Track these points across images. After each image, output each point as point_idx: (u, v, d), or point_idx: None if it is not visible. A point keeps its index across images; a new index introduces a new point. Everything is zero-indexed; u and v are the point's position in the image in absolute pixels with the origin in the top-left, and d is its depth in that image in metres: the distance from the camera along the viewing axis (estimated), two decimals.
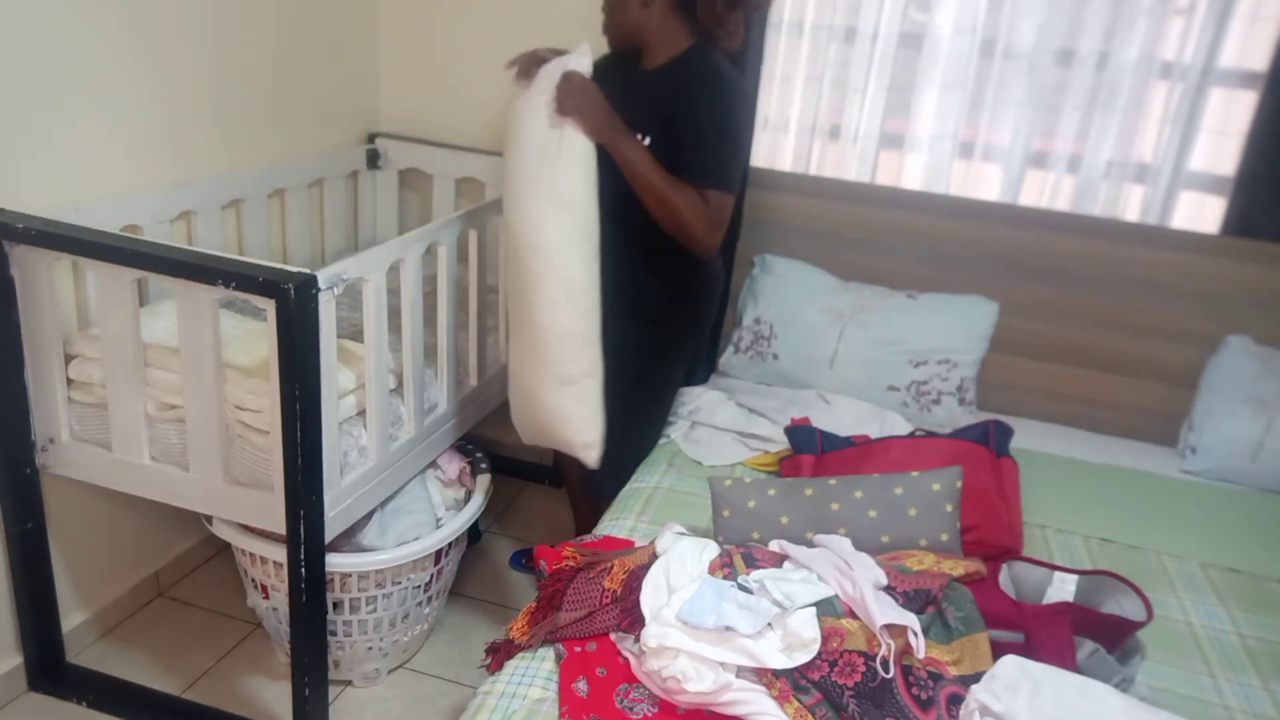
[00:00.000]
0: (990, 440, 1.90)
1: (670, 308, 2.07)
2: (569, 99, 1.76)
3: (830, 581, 1.46)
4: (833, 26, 2.50)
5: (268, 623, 2.10)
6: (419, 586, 2.08)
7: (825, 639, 1.37)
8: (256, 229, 2.37)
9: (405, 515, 2.06)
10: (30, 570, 1.92)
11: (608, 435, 1.96)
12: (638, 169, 1.82)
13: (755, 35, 2.40)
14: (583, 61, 1.80)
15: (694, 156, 1.84)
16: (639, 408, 2.11)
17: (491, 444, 3.03)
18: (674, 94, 1.85)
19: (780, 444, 2.17)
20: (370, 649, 2.08)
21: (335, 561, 1.88)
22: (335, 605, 1.97)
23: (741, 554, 1.55)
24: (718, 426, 2.23)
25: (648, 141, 1.85)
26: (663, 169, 1.83)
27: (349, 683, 2.13)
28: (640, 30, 1.91)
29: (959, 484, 1.67)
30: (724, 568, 1.51)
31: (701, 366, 2.55)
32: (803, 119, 2.59)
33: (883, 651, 1.34)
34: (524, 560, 2.61)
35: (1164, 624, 1.70)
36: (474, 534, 2.68)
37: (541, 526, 2.79)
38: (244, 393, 1.73)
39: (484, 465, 2.29)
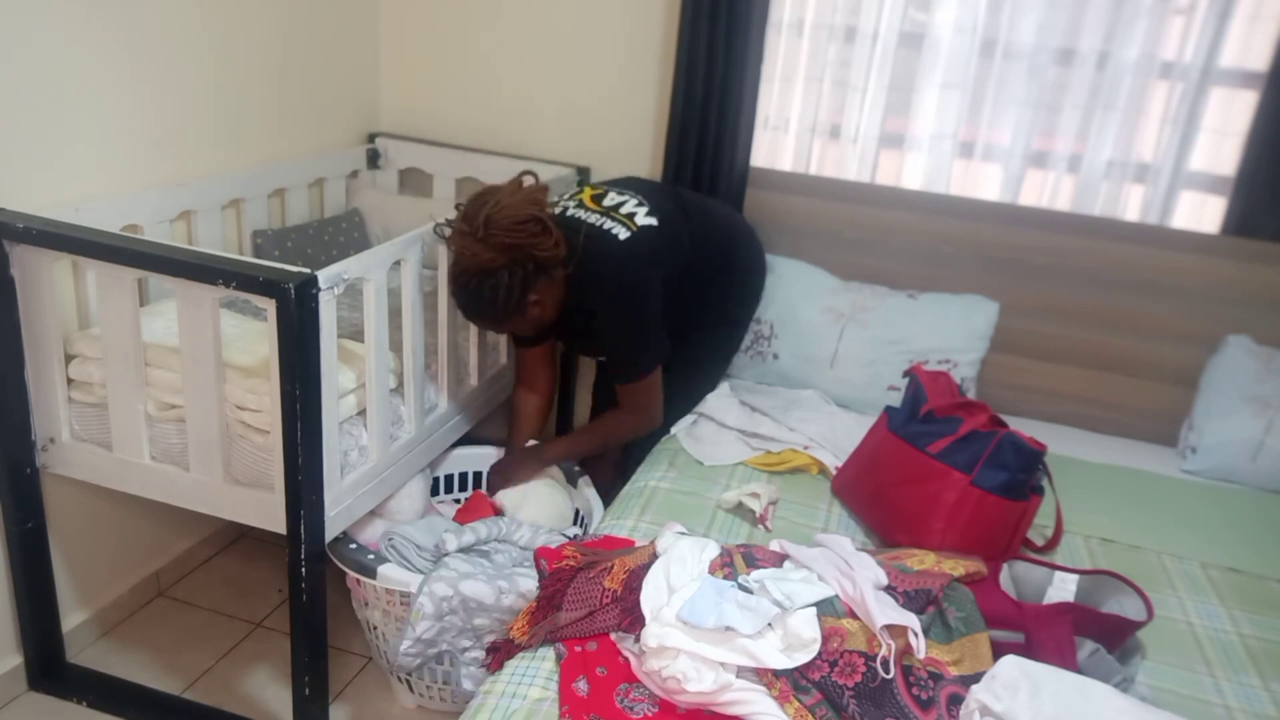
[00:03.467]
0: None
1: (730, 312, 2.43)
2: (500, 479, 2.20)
3: (830, 581, 1.46)
4: (833, 26, 2.50)
5: (377, 659, 2.10)
6: None
7: (825, 639, 1.37)
8: (257, 228, 2.37)
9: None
10: (30, 570, 1.92)
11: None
12: (572, 453, 2.23)
13: (755, 35, 2.40)
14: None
15: (613, 361, 2.15)
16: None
17: (492, 444, 3.03)
18: (594, 328, 2.09)
19: (781, 444, 2.17)
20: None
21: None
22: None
23: (741, 554, 1.55)
24: (723, 424, 2.23)
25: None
26: (577, 436, 2.25)
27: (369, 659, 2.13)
28: (545, 320, 2.06)
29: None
30: (724, 567, 1.51)
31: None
32: (803, 119, 2.59)
33: (883, 652, 1.34)
34: None
35: (1164, 624, 1.70)
36: None
37: None
38: (244, 392, 1.73)
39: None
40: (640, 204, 2.11)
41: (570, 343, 2.29)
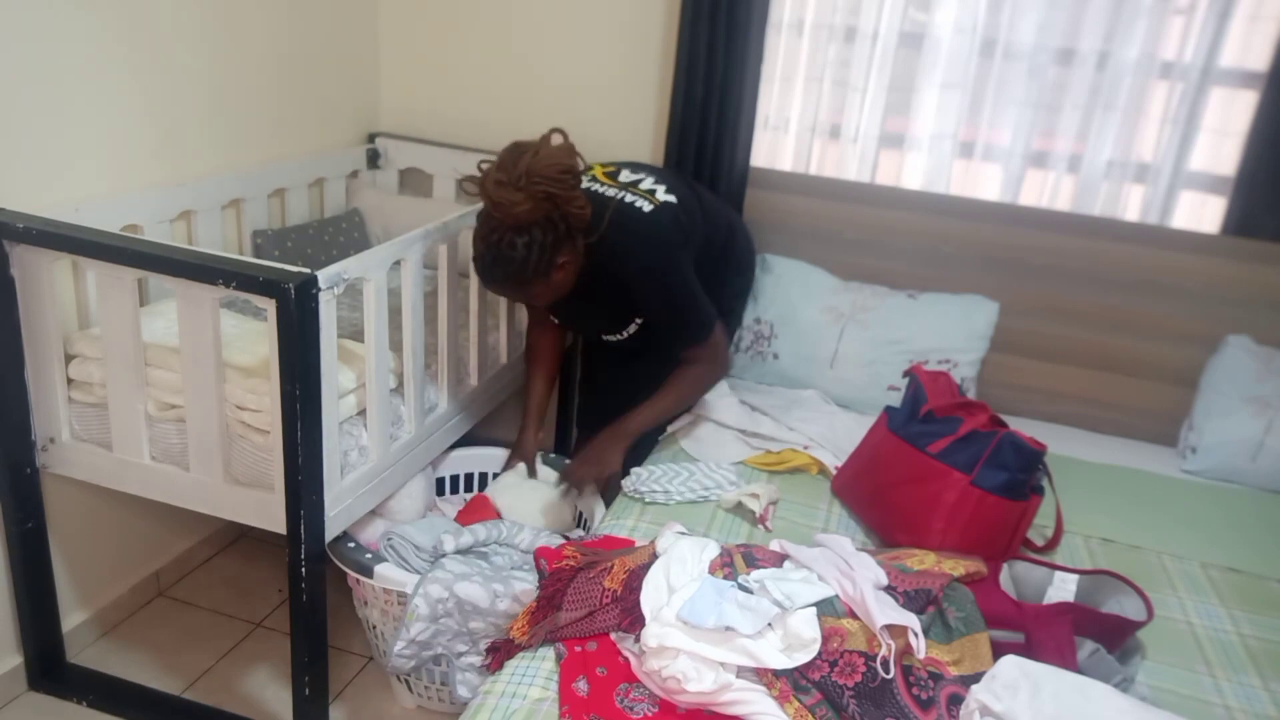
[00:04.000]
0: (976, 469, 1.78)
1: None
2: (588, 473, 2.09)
3: (830, 581, 1.46)
4: (833, 26, 2.50)
5: (378, 659, 2.09)
6: None
7: (825, 639, 1.37)
8: (257, 229, 2.37)
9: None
10: (30, 570, 1.92)
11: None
12: (656, 418, 2.12)
13: (755, 35, 2.40)
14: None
15: (674, 332, 2.09)
16: None
17: (493, 444, 3.02)
18: (632, 296, 2.04)
19: (781, 443, 2.17)
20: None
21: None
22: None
23: (742, 554, 1.55)
24: (723, 424, 2.23)
25: (636, 325, 2.13)
26: (658, 401, 2.11)
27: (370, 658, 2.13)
28: (565, 288, 1.98)
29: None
30: (724, 567, 1.51)
31: None
32: (803, 119, 2.59)
33: (883, 652, 1.34)
34: None
35: (1164, 624, 1.70)
36: None
37: None
38: (244, 392, 1.73)
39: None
40: (658, 182, 2.08)
41: (581, 317, 2.21)
